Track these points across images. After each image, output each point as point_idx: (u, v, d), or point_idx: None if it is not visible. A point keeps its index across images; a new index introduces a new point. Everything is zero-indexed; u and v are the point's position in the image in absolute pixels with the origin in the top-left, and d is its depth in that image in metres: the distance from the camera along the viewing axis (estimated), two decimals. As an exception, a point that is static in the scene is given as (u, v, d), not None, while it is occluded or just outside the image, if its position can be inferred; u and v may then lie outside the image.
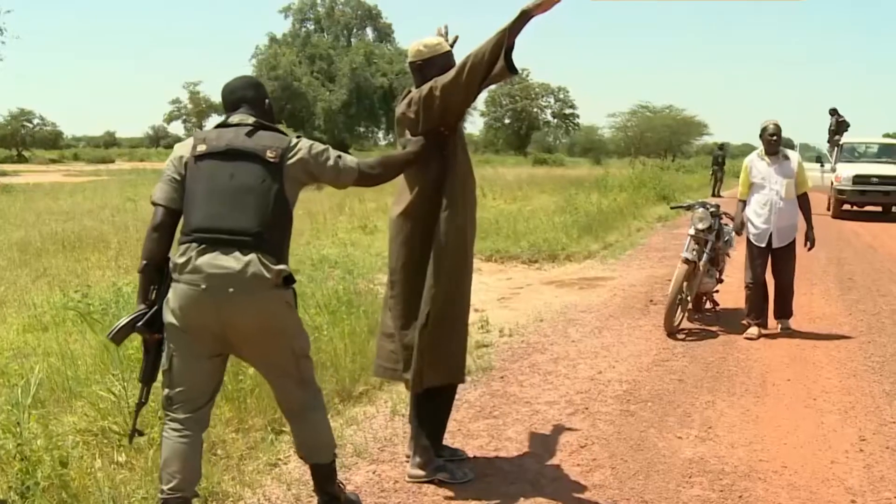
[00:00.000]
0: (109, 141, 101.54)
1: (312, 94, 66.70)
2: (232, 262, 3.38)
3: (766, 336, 7.38)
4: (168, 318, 3.47)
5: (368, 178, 3.85)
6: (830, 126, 24.41)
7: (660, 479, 4.33)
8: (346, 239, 12.44)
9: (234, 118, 3.67)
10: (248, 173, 3.49)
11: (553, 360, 6.58)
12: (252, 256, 3.40)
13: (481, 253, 11.96)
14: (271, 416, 4.96)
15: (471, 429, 5.03)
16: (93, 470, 4.08)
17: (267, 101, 3.81)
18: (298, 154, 3.59)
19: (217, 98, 70.71)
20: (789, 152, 7.59)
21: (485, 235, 12.90)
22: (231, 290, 3.37)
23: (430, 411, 4.22)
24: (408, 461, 4.35)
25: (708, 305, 8.30)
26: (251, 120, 3.64)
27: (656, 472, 4.41)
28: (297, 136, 3.74)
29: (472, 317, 7.97)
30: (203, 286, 3.38)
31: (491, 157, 64.09)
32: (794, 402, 5.61)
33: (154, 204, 3.60)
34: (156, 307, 3.52)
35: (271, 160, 3.51)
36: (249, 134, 3.57)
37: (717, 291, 8.24)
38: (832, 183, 20.33)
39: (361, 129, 70.83)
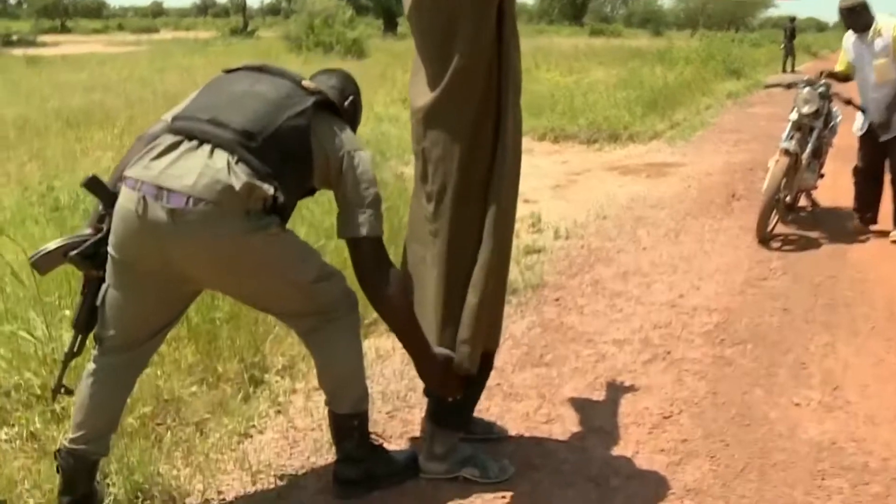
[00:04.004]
0: (157, 10, 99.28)
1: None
2: None
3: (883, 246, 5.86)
4: None
5: (369, 271, 2.61)
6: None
7: (780, 480, 2.95)
8: (382, 114, 10.91)
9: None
10: (273, 86, 2.59)
11: (621, 275, 5.15)
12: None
13: (534, 131, 10.42)
14: (251, 360, 3.66)
15: (514, 383, 3.67)
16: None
17: (349, 99, 2.86)
18: (331, 121, 2.61)
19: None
20: (885, 26, 5.74)
21: (538, 112, 11.30)
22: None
23: (465, 389, 2.82)
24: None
25: (803, 203, 6.75)
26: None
27: (773, 467, 3.03)
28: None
29: (523, 210, 6.56)
30: None
31: (545, 27, 61.16)
32: (941, 347, 4.15)
33: None
34: (100, 236, 2.55)
35: (306, 87, 2.61)
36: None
37: (815, 188, 6.67)
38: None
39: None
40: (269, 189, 2.37)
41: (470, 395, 2.86)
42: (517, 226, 5.99)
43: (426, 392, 2.95)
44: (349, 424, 2.74)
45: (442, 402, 2.83)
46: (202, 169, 2.32)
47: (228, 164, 2.34)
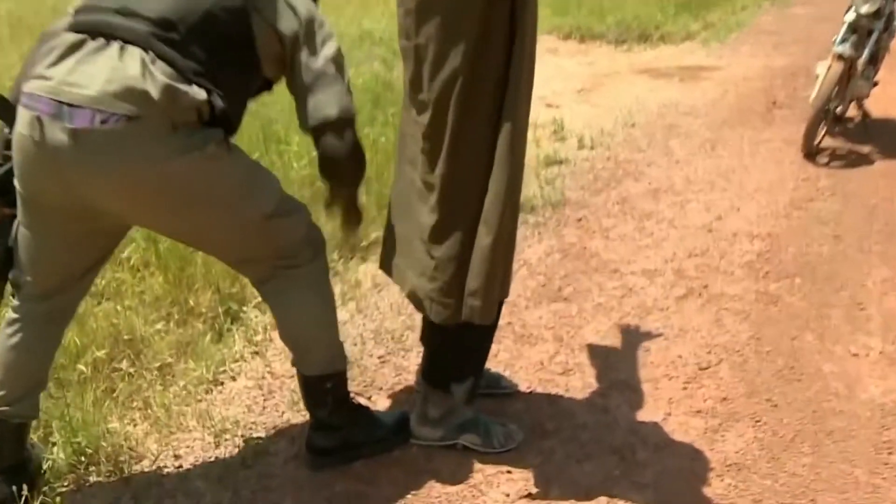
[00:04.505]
0: None
1: None
2: None
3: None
4: None
5: (343, 164, 2.08)
6: None
7: (838, 453, 2.44)
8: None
9: None
10: None
11: (652, 192, 4.57)
12: None
13: (559, 30, 9.65)
14: (228, 290, 3.17)
15: (528, 322, 3.16)
16: None
17: None
18: None
19: None
20: None
21: (563, 9, 10.48)
22: None
23: (461, 340, 2.29)
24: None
25: (852, 113, 6.08)
26: None
27: (829, 436, 2.52)
28: None
29: (544, 116, 5.98)
30: None
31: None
32: None
33: None
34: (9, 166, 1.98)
35: None
36: None
37: (867, 97, 5.98)
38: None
39: None
40: (200, 93, 1.79)
41: (471, 353, 2.35)
42: (537, 133, 5.47)
43: (423, 338, 2.44)
44: (321, 388, 2.25)
45: (437, 360, 2.34)
46: (110, 74, 1.75)
47: (143, 64, 1.76)
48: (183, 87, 1.77)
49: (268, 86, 2.14)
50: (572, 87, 7.23)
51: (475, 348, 2.33)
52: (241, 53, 1.92)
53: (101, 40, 1.80)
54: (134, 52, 1.77)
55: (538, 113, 6.11)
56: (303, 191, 3.98)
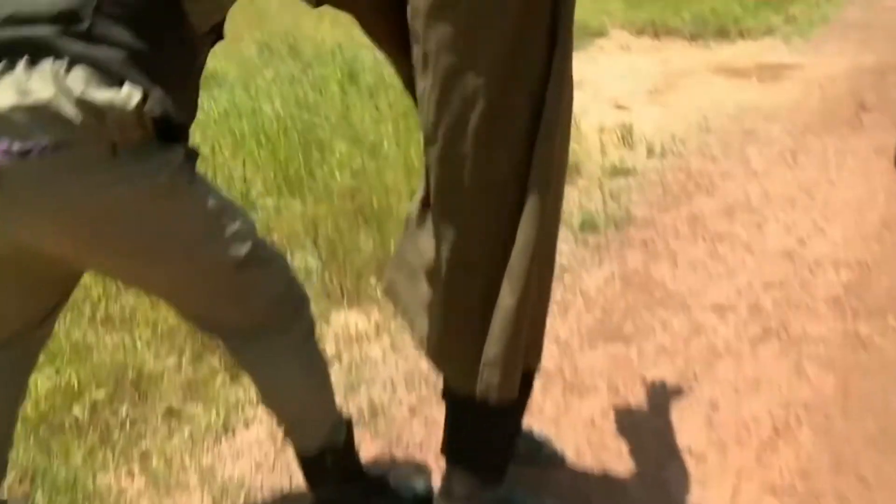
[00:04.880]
0: None
1: None
2: None
3: None
4: None
5: None
6: None
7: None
8: None
9: None
10: None
11: (726, 210, 4.10)
12: None
13: (633, 25, 9.19)
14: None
15: (579, 366, 2.77)
16: None
17: None
18: None
19: None
20: None
21: (637, 3, 10.01)
22: None
23: (483, 416, 1.86)
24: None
25: (949, 119, 5.51)
26: None
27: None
28: None
29: (612, 119, 5.57)
30: None
31: None
32: None
33: None
34: None
35: None
36: None
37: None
38: None
39: None
40: (133, 96, 1.40)
41: (497, 431, 1.95)
42: (603, 139, 5.06)
43: (445, 394, 2.04)
44: (320, 465, 1.91)
45: (460, 434, 1.97)
46: (17, 98, 1.37)
47: (56, 78, 1.38)
48: (108, 94, 1.39)
49: (219, 35, 1.74)
50: (644, 88, 6.79)
51: (501, 425, 1.95)
52: (169, 11, 1.54)
53: (4, 61, 1.42)
54: (43, 68, 1.40)
55: (606, 116, 5.72)
56: (345, 204, 3.67)
